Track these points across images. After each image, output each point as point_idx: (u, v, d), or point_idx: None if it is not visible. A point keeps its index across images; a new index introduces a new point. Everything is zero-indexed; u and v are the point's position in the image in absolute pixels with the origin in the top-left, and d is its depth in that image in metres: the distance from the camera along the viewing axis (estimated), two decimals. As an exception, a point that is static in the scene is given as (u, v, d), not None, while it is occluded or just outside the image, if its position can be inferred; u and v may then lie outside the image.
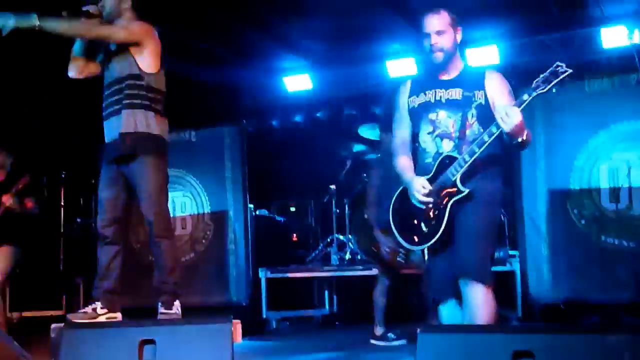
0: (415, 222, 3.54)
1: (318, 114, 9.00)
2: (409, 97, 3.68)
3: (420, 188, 3.48)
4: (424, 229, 3.50)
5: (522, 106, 3.21)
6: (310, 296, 7.86)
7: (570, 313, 5.84)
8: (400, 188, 3.67)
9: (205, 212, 7.24)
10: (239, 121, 7.24)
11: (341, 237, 7.83)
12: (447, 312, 3.61)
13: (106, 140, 4.44)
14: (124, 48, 4.26)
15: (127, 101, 4.24)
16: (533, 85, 3.19)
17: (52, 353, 4.00)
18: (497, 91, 3.50)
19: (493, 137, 3.28)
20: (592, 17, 7.02)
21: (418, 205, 3.51)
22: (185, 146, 7.26)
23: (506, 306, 6.31)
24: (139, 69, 4.25)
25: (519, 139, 3.28)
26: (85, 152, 7.86)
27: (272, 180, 8.84)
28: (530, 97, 3.20)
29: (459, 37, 3.61)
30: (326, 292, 7.83)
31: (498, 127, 3.23)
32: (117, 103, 4.28)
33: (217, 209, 7.16)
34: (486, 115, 3.41)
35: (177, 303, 4.38)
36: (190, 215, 7.31)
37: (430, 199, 3.45)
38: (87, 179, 8.05)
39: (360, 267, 6.78)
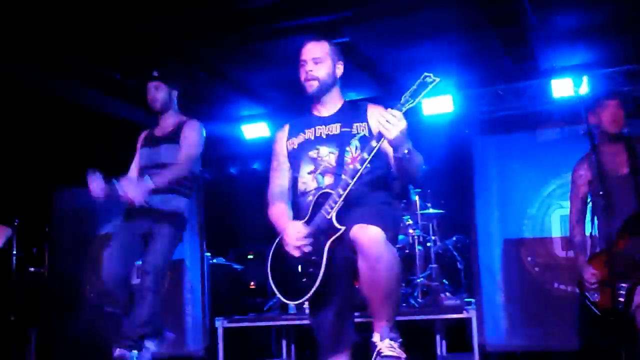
0: (294, 273, 3.17)
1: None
2: (288, 140, 3.48)
3: (294, 233, 3.14)
4: (302, 279, 3.12)
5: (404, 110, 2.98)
6: (268, 345, 7.76)
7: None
8: (277, 239, 3.32)
9: (162, 260, 7.15)
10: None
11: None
12: None
13: None
14: None
15: None
16: (402, 101, 2.97)
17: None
18: (377, 121, 3.09)
19: (373, 152, 2.98)
20: (543, 69, 7.22)
21: (294, 253, 3.15)
22: (142, 193, 7.21)
23: (464, 353, 6.32)
24: None
25: (405, 150, 2.98)
26: (38, 199, 7.75)
27: (230, 228, 8.79)
28: (401, 113, 2.95)
29: (339, 71, 3.43)
30: (284, 342, 7.75)
31: (380, 138, 2.96)
32: None
33: (174, 258, 7.07)
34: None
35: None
36: (146, 263, 7.21)
37: (305, 242, 3.11)
38: (41, 226, 7.92)
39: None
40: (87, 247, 7.38)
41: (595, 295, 4.22)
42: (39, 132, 7.87)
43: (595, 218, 4.29)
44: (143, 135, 5.01)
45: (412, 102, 2.97)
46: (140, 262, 4.61)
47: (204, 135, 4.85)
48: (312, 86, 3.36)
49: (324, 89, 3.38)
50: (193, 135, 4.75)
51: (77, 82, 7.05)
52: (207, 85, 7.52)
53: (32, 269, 8.42)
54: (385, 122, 2.91)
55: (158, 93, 4.85)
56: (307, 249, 3.13)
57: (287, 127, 3.53)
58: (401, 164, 3.04)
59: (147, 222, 4.59)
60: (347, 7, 5.81)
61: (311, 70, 3.34)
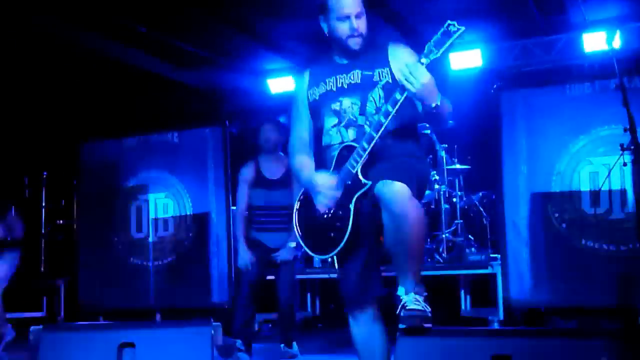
0: (320, 227, 3.12)
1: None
2: (308, 89, 3.31)
3: (325, 184, 3.07)
4: (330, 233, 3.07)
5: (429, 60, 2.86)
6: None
7: (551, 317, 5.87)
8: (302, 190, 3.27)
9: (188, 213, 7.22)
10: (222, 123, 7.22)
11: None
12: (359, 330, 3.19)
13: None
14: None
15: None
16: (425, 51, 2.84)
17: (30, 356, 3.97)
18: (400, 65, 2.99)
19: (398, 104, 2.88)
20: (574, 22, 7.07)
21: (321, 206, 3.10)
22: (168, 147, 7.26)
23: (487, 308, 6.35)
24: None
25: (432, 104, 2.86)
26: (66, 153, 7.82)
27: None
28: (424, 65, 2.84)
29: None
30: (309, 295, 7.84)
31: (403, 90, 2.85)
32: None
33: (200, 211, 7.14)
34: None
35: None
36: (172, 216, 7.28)
37: (337, 194, 3.05)
38: (69, 179, 8.01)
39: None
40: (113, 199, 7.45)
41: None
42: (66, 85, 7.91)
43: None
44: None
45: (437, 53, 2.84)
46: None
47: None
48: (359, 43, 3.16)
49: (365, 44, 3.19)
50: None
51: (104, 35, 7.04)
52: (232, 38, 7.47)
53: (60, 222, 8.56)
54: (408, 75, 2.80)
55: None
56: (334, 203, 3.06)
57: (307, 75, 3.36)
58: (430, 113, 2.94)
59: None
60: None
61: (358, 27, 3.12)
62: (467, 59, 7.51)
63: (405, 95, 2.87)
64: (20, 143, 7.83)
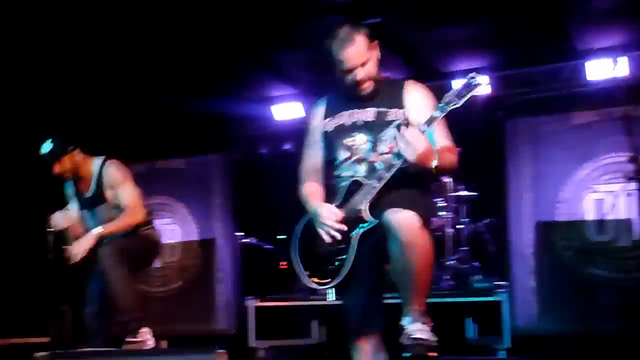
0: (321, 257, 3.13)
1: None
2: (324, 118, 3.33)
3: (329, 215, 3.09)
4: (330, 265, 3.08)
5: (432, 126, 2.93)
6: (298, 325, 7.81)
7: (557, 345, 5.83)
8: (306, 219, 3.26)
9: (194, 239, 7.23)
10: (228, 149, 7.26)
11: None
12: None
13: None
14: None
15: None
16: (446, 100, 2.90)
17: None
18: (417, 109, 3.13)
19: (393, 169, 2.95)
20: (578, 50, 7.10)
21: (325, 236, 3.09)
22: (174, 174, 7.30)
23: (494, 336, 6.30)
24: None
25: (430, 166, 2.91)
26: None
27: (260, 208, 8.83)
28: (443, 114, 2.91)
29: (378, 54, 3.21)
30: (315, 322, 7.79)
31: (399, 156, 2.91)
32: None
33: (205, 237, 7.16)
34: None
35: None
36: (178, 242, 7.29)
37: (340, 226, 3.05)
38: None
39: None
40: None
41: None
42: (68, 112, 7.91)
43: None
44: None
45: (457, 104, 2.89)
46: None
47: None
48: (369, 87, 3.18)
49: (374, 81, 3.19)
50: None
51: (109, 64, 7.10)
52: (237, 65, 7.52)
53: (65, 246, 8.55)
54: (402, 146, 2.85)
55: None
56: (337, 236, 3.06)
57: (322, 104, 3.39)
58: (430, 174, 2.99)
59: None
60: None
61: (363, 77, 3.13)
62: (473, 86, 7.52)
63: (401, 161, 2.91)
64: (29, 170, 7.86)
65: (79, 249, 4.53)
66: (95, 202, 4.75)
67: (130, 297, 4.48)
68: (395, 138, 2.95)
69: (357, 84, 3.15)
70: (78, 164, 4.74)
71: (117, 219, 4.65)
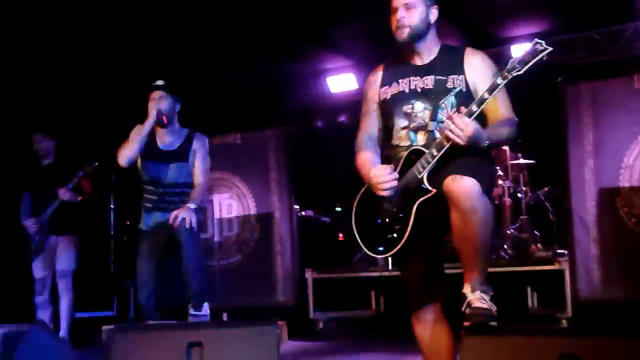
0: (380, 227, 3.09)
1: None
2: (381, 87, 3.27)
3: (380, 172, 3.06)
4: (388, 235, 3.05)
5: (494, 94, 2.85)
6: (357, 296, 7.86)
7: (622, 314, 5.72)
8: (364, 187, 3.21)
9: (251, 213, 7.30)
10: (283, 123, 7.29)
11: (387, 236, 7.79)
12: (424, 330, 3.17)
13: None
14: None
15: None
16: (508, 67, 2.81)
17: (104, 355, 4.09)
18: (477, 75, 3.07)
19: (444, 149, 2.89)
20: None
21: (382, 193, 3.05)
22: (231, 149, 7.35)
23: (555, 306, 6.22)
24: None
25: (483, 144, 2.88)
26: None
27: (317, 180, 8.87)
28: (504, 81, 2.83)
29: (433, 17, 3.16)
30: (373, 293, 7.82)
31: (448, 140, 2.86)
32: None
33: (263, 211, 7.22)
34: (469, 104, 2.92)
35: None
36: (236, 216, 7.38)
37: (394, 184, 3.03)
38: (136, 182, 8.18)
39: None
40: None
41: None
42: (128, 86, 8.04)
43: None
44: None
45: (520, 71, 2.80)
46: None
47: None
48: (403, 34, 3.10)
49: (416, 36, 3.12)
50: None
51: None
52: (292, 38, 7.52)
53: (128, 223, 8.76)
54: (449, 132, 2.82)
55: (162, 103, 4.88)
56: (395, 204, 3.04)
57: (380, 72, 3.31)
58: (484, 148, 2.94)
59: None
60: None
61: (403, 17, 3.09)
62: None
63: (450, 144, 2.86)
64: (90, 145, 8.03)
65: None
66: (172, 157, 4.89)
67: (200, 272, 4.61)
68: (443, 122, 2.91)
69: (397, 26, 3.11)
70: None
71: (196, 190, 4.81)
